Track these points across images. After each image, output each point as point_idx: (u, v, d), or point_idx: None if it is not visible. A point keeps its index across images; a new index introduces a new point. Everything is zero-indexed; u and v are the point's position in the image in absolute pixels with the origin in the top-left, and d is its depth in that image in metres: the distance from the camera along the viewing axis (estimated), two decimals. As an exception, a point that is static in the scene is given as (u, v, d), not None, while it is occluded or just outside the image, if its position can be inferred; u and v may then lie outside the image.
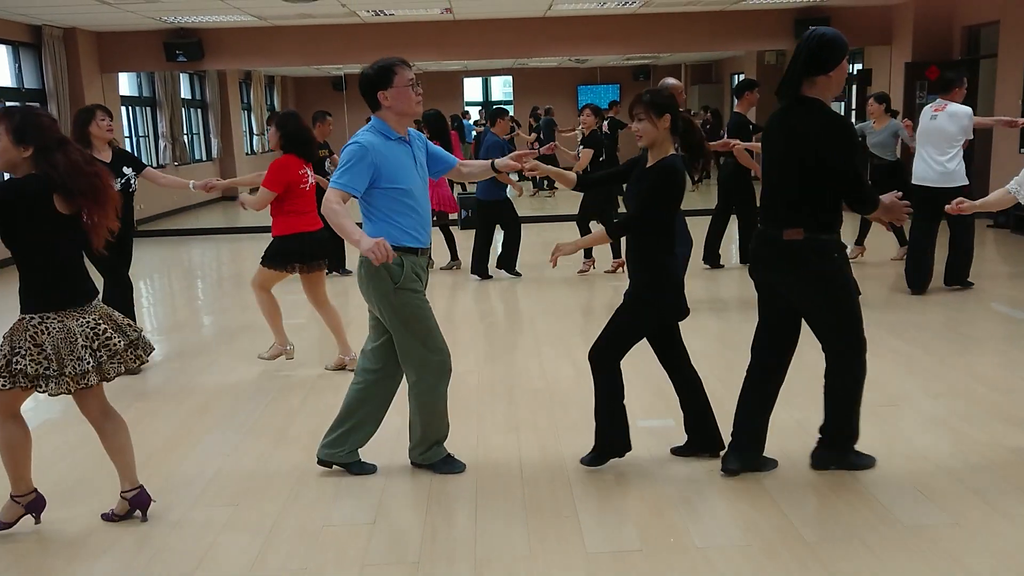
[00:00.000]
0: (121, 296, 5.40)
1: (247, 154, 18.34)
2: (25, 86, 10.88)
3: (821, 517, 3.19)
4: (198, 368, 5.49)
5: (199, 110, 16.56)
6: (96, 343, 3.05)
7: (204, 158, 16.64)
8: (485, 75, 22.39)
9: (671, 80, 6.12)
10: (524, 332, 6.21)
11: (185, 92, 15.57)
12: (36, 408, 4.89)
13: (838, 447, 3.57)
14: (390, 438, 4.10)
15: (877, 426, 4.00)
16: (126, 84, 13.79)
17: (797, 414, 3.71)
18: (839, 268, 3.33)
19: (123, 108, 13.36)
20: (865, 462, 3.59)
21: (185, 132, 15.30)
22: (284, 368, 5.36)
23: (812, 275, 3.32)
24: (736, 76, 18.05)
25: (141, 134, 14.47)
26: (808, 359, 3.53)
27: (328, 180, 8.47)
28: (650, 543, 3.03)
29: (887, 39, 11.98)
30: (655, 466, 3.68)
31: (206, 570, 2.96)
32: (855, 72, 13.55)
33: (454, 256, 8.63)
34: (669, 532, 3.10)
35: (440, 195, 8.28)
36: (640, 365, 5.20)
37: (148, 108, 14.56)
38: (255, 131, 19.01)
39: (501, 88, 22.97)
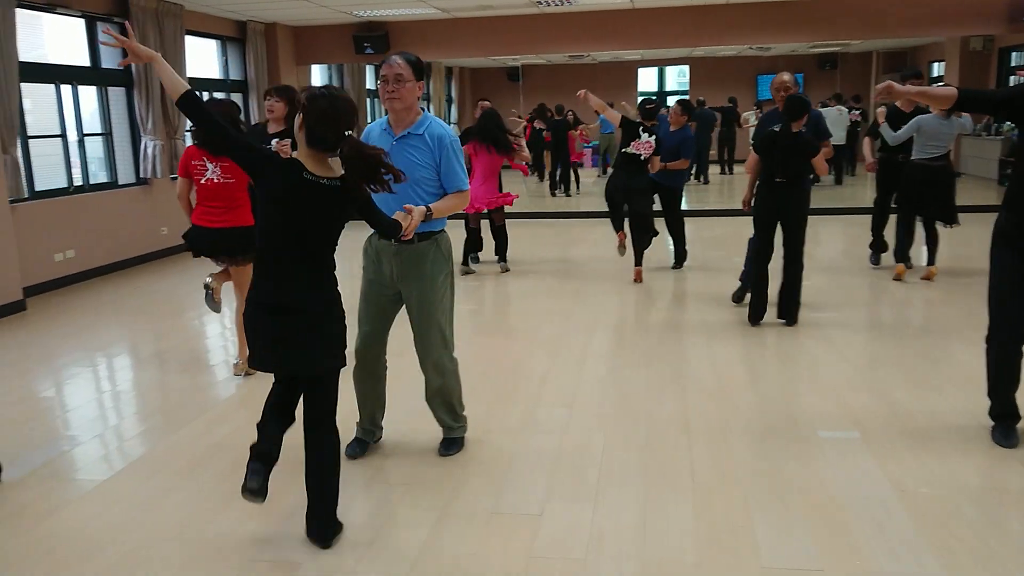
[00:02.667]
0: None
1: (424, 143, 18.93)
2: (230, 77, 11.76)
3: (1031, 553, 2.87)
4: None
5: (381, 100, 17.29)
6: None
7: (385, 146, 17.36)
8: (660, 64, 21.95)
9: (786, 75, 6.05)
10: (693, 325, 6.02)
11: (370, 83, 16.28)
12: (205, 399, 5.25)
13: (998, 416, 3.74)
14: (557, 431, 4.09)
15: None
16: (318, 76, 14.59)
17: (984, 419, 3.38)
18: (993, 243, 3.65)
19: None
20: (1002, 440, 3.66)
21: (368, 121, 16.02)
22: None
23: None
24: (935, 64, 16.72)
25: (328, 123, 15.27)
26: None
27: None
28: (832, 564, 2.84)
29: (1120, 21, 10.69)
30: (840, 480, 3.45)
31: (379, 548, 3.05)
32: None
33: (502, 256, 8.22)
34: (854, 554, 2.89)
35: (486, 194, 7.76)
36: (820, 372, 4.92)
37: (336, 98, 15.34)
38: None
39: (676, 78, 22.46)
